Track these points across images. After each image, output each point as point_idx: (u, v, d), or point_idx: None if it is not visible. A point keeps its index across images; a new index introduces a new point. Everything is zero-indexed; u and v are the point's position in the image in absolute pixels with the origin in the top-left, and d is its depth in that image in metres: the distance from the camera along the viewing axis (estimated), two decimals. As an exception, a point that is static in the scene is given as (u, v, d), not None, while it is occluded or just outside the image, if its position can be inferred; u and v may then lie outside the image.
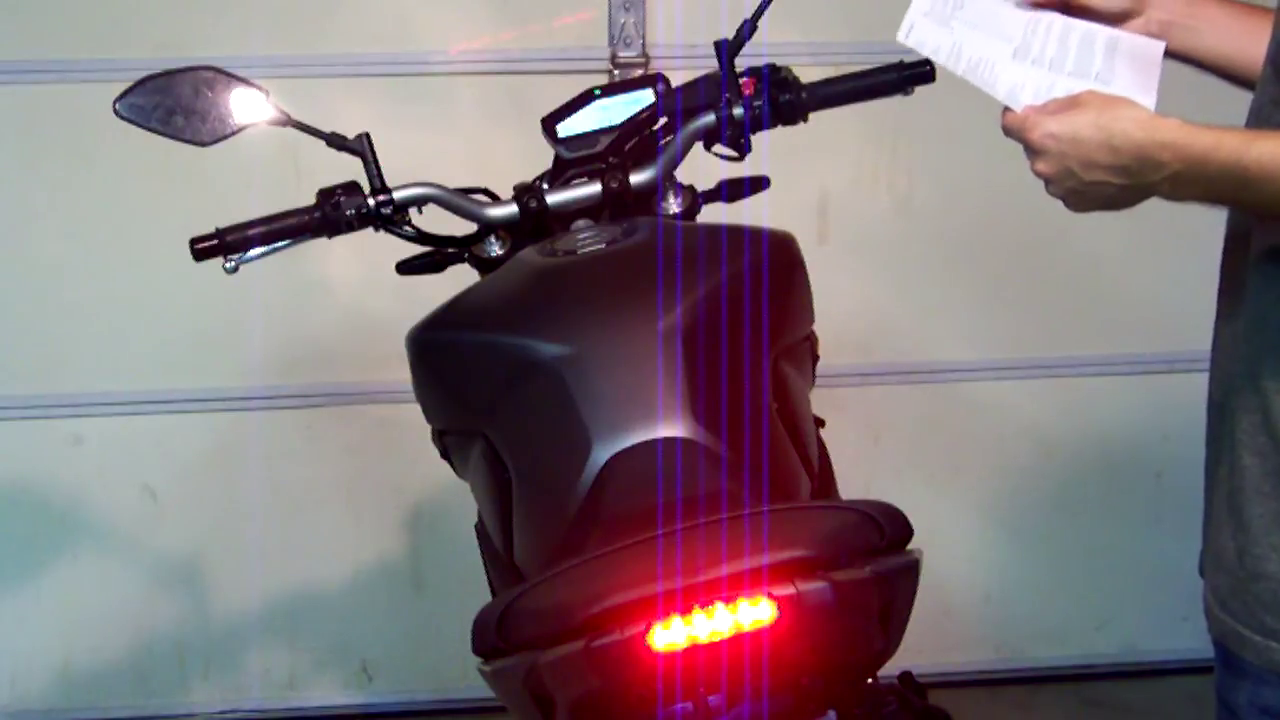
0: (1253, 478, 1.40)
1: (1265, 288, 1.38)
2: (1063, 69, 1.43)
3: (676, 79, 1.86)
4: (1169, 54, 1.50)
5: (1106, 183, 1.34)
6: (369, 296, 2.86)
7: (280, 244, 1.81)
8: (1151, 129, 1.32)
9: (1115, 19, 1.49)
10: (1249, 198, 1.31)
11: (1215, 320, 1.49)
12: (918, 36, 1.48)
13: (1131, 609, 3.19)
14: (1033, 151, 1.38)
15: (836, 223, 2.99)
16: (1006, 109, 1.42)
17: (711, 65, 1.83)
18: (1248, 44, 1.49)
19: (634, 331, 1.58)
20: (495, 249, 1.87)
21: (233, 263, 1.79)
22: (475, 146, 2.86)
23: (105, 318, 2.90)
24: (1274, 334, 1.37)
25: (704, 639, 1.31)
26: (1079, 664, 3.20)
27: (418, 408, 1.79)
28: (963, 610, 3.14)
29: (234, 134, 1.79)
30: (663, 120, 1.86)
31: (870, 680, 1.50)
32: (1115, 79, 1.42)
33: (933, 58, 1.48)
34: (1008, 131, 1.41)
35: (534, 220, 1.83)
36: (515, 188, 1.88)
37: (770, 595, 1.31)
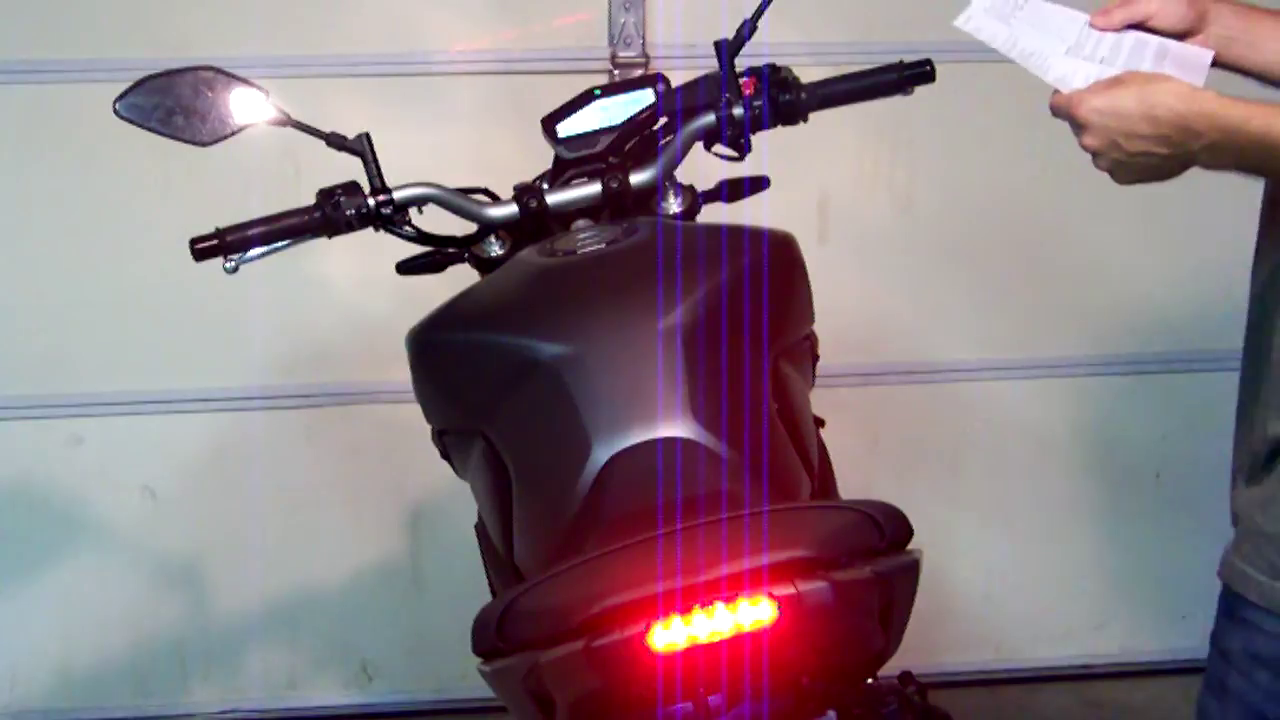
0: None
1: None
2: (1114, 65, 1.49)
3: (676, 79, 1.86)
4: (1231, 68, 1.55)
5: (1149, 153, 1.42)
6: (369, 296, 2.86)
7: (280, 244, 1.80)
8: (1191, 100, 1.40)
9: (1177, 37, 1.53)
10: (1277, 167, 1.42)
11: (1254, 257, 1.59)
12: (975, 24, 1.54)
13: (1131, 609, 3.19)
14: (1079, 127, 1.45)
15: (836, 223, 2.99)
16: (1055, 91, 1.48)
17: (711, 65, 1.83)
18: None
19: (634, 331, 1.57)
20: (495, 249, 1.86)
21: (233, 263, 1.79)
22: (475, 146, 2.86)
23: (105, 318, 2.90)
24: None
25: (704, 639, 1.31)
26: (1079, 664, 3.20)
27: (418, 408, 1.79)
28: (963, 610, 3.14)
29: (234, 134, 1.79)
30: (663, 120, 1.86)
31: (870, 680, 1.49)
32: None
33: (988, 44, 1.54)
34: (1055, 110, 1.48)
35: (534, 220, 1.83)
36: (515, 188, 1.88)
37: (770, 595, 1.31)
